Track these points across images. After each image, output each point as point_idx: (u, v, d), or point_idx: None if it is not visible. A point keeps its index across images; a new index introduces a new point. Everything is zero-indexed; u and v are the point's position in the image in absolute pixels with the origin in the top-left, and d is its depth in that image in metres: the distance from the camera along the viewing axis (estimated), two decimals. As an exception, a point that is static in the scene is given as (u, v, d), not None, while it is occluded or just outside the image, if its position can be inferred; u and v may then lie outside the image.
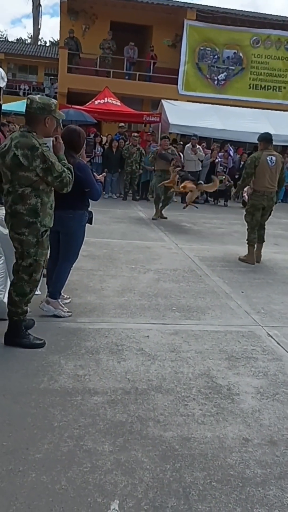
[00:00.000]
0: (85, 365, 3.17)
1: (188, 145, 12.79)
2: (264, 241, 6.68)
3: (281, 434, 2.56)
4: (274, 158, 6.39)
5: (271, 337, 3.94)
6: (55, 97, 23.11)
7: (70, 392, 2.81)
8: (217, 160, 13.45)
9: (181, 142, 14.07)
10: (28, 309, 3.89)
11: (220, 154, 13.72)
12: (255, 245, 6.57)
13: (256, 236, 6.58)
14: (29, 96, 3.28)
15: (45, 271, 4.00)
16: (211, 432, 2.54)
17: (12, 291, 3.32)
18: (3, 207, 3.33)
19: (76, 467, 2.17)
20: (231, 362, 3.42)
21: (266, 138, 6.55)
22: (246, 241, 6.59)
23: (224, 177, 12.96)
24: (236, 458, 2.34)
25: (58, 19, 18.74)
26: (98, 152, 12.46)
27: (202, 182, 9.86)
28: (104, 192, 12.71)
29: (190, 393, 2.92)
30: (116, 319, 4.07)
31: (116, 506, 1.96)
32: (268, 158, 6.35)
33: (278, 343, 3.82)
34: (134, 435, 2.45)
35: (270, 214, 6.75)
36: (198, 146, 12.50)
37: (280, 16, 18.54)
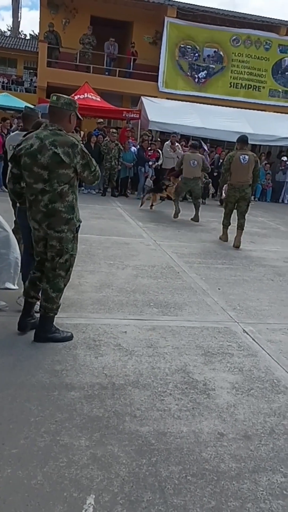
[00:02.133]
0: (62, 360, 3.16)
1: (167, 142, 12.82)
2: (243, 229, 7.65)
3: (255, 429, 2.61)
4: (247, 157, 7.42)
5: (247, 333, 4.00)
6: (34, 91, 22.90)
7: (47, 387, 2.79)
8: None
9: (159, 139, 14.09)
10: (4, 303, 3.85)
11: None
12: (228, 228, 7.90)
13: (228, 221, 7.86)
14: (53, 93, 3.33)
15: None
16: (187, 426, 2.56)
17: (49, 289, 3.35)
18: None
19: (53, 462, 2.16)
20: (207, 357, 3.45)
21: (242, 140, 7.63)
22: (222, 224, 7.99)
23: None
24: (211, 452, 2.37)
25: (38, 12, 18.51)
26: (77, 148, 12.36)
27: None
28: (82, 188, 12.66)
29: (167, 388, 2.94)
30: (94, 315, 4.06)
31: (92, 501, 1.96)
32: (241, 157, 7.40)
33: (253, 339, 3.88)
34: (111, 430, 2.46)
35: (248, 206, 7.71)
36: (177, 144, 12.53)
37: (259, 16, 18.72)
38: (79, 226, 3.33)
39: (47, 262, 3.35)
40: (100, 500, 1.97)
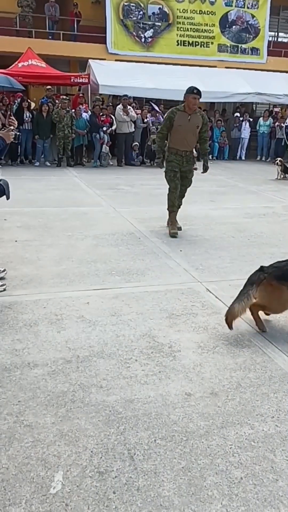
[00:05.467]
0: (23, 338, 3.07)
1: (119, 106, 12.48)
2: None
3: (222, 385, 2.61)
4: None
5: (210, 291, 3.99)
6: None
7: (8, 368, 2.70)
8: (146, 120, 13.17)
9: (111, 104, 13.67)
10: None
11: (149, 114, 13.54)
12: None
13: None
14: None
15: None
16: (154, 391, 2.54)
17: None
18: None
19: (17, 444, 2.10)
20: (172, 320, 3.43)
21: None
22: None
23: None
24: (179, 414, 2.35)
25: None
26: (27, 118, 11.88)
27: None
28: (35, 160, 12.25)
29: (132, 355, 2.90)
30: (55, 289, 3.96)
31: (60, 477, 1.92)
32: None
33: (216, 297, 3.87)
34: (77, 403, 2.41)
35: None
36: (129, 107, 12.23)
37: None
38: None
39: None
40: (68, 476, 1.93)
